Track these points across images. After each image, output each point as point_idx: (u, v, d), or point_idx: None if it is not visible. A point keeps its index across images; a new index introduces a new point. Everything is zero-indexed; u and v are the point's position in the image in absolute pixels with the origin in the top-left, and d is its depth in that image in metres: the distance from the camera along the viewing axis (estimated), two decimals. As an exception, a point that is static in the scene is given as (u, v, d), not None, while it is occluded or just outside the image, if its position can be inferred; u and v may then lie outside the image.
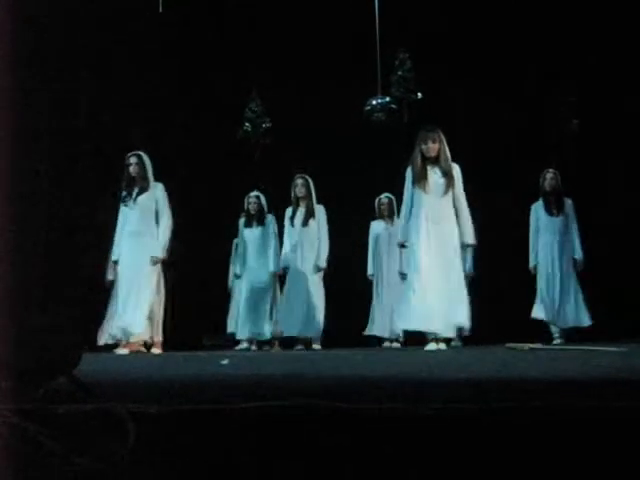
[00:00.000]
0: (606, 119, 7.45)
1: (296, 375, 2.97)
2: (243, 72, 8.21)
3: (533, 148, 7.53)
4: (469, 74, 7.68)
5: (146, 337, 6.42)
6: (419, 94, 7.87)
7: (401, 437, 1.62)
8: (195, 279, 8.12)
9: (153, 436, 1.63)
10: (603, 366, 3.10)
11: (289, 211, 7.25)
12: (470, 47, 7.68)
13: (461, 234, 5.57)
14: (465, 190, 5.64)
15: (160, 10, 7.23)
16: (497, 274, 7.31)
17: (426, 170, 5.56)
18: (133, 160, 6.47)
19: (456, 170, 5.62)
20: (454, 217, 5.60)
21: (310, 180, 7.18)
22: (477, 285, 6.99)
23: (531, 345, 5.12)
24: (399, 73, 7.93)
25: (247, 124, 8.49)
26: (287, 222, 7.25)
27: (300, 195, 7.14)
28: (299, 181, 7.16)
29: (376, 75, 7.48)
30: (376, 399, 1.76)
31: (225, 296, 8.11)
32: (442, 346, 5.47)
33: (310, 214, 7.08)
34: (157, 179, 6.65)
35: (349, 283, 7.74)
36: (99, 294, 6.52)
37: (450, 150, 5.69)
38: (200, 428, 1.66)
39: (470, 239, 5.62)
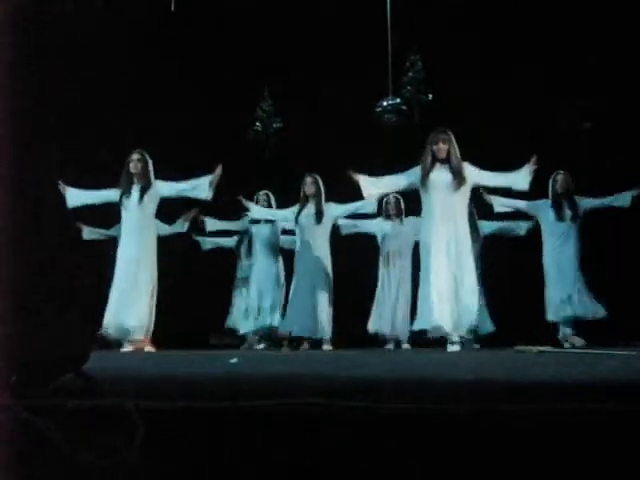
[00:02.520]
0: (619, 120, 7.42)
1: (305, 374, 2.96)
2: (254, 71, 8.22)
3: (545, 150, 7.51)
4: (480, 75, 7.66)
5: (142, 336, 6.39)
6: (430, 95, 7.85)
7: (409, 437, 1.62)
8: (202, 277, 8.13)
9: (162, 432, 1.64)
10: (613, 369, 3.09)
11: (294, 210, 7.19)
12: (482, 48, 7.66)
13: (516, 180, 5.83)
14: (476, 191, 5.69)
15: (172, 8, 7.25)
16: (508, 277, 7.27)
17: (432, 170, 5.63)
18: (135, 157, 6.42)
19: (468, 168, 5.67)
20: (466, 215, 5.69)
21: (320, 179, 7.16)
22: (488, 288, 6.98)
23: (540, 348, 5.10)
24: (410, 74, 7.91)
25: (258, 123, 8.49)
26: (293, 221, 7.22)
27: (309, 193, 7.11)
28: (309, 179, 7.14)
29: (387, 76, 7.47)
30: (385, 399, 1.76)
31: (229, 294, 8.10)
32: (456, 348, 5.47)
33: (320, 213, 7.05)
34: (167, 179, 6.66)
35: (359, 283, 7.74)
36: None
37: (460, 150, 5.71)
38: (208, 425, 1.66)
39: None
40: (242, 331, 7.75)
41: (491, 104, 7.61)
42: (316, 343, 7.08)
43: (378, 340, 7.39)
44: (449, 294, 5.44)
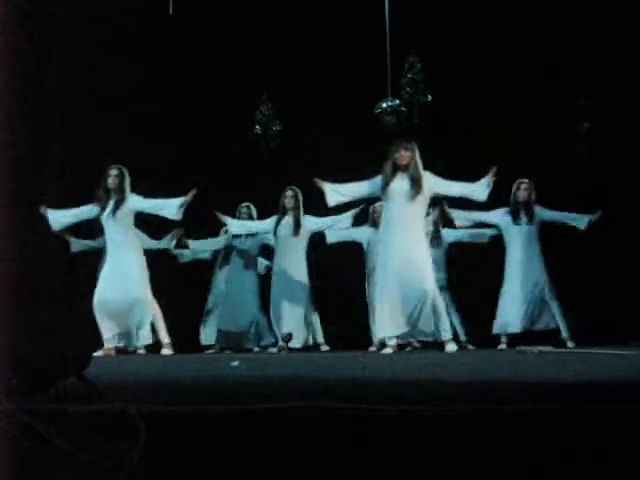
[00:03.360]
0: (618, 122, 7.41)
1: (307, 377, 2.97)
2: (253, 75, 8.22)
3: (544, 148, 7.50)
4: (480, 76, 7.65)
5: (149, 341, 6.46)
6: (429, 96, 7.86)
7: (409, 438, 1.63)
8: (204, 281, 8.13)
9: (164, 436, 1.64)
10: (613, 369, 3.09)
11: (271, 221, 7.29)
12: (481, 49, 7.66)
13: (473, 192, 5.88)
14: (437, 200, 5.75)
15: (170, 12, 7.25)
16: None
17: (393, 178, 5.72)
18: (113, 172, 6.50)
19: (427, 178, 5.73)
20: (422, 224, 5.80)
21: (299, 192, 7.21)
22: (483, 289, 7.00)
23: (541, 348, 5.11)
24: (409, 76, 7.91)
25: (258, 127, 8.49)
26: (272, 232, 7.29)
27: (288, 206, 7.18)
28: (289, 192, 7.23)
29: (386, 78, 7.47)
30: (386, 401, 1.77)
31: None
32: (388, 350, 5.64)
33: (298, 225, 7.12)
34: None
35: (349, 286, 7.76)
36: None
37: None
38: (210, 428, 1.67)
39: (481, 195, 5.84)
40: (212, 343, 7.73)
41: (491, 104, 7.60)
42: (315, 346, 7.13)
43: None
44: (400, 302, 5.56)
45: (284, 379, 2.91)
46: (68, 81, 7.15)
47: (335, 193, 6.14)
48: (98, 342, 6.12)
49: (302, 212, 7.21)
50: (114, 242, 6.51)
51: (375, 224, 7.43)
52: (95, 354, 6.16)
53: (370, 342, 6.74)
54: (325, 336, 7.25)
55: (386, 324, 5.63)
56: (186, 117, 8.07)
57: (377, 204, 7.34)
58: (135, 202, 6.54)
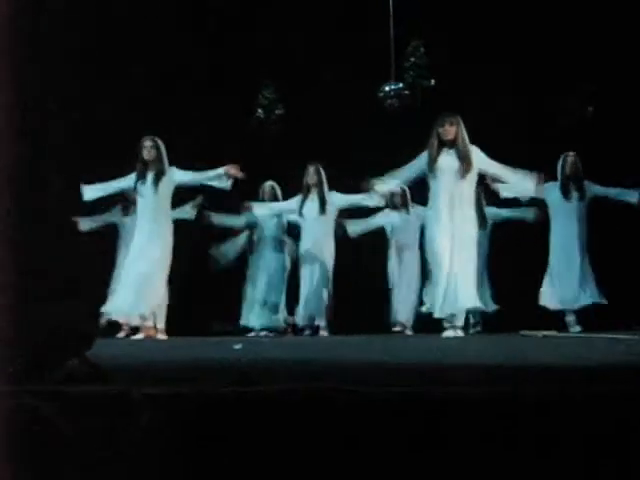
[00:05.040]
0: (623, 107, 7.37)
1: (307, 360, 2.97)
2: (256, 58, 8.18)
3: (548, 134, 7.46)
4: (483, 60, 7.61)
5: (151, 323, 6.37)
6: (432, 80, 7.82)
7: (412, 420, 1.62)
8: (203, 266, 8.11)
9: (167, 418, 1.63)
10: (618, 353, 3.08)
11: (297, 201, 7.12)
12: (484, 32, 7.61)
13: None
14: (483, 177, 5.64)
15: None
16: (513, 261, 7.25)
17: (439, 154, 5.50)
18: (148, 144, 6.33)
19: (477, 154, 5.55)
20: (473, 202, 5.63)
21: (322, 168, 7.11)
22: (492, 273, 6.98)
23: (545, 332, 5.10)
24: (412, 59, 7.87)
25: (260, 111, 8.45)
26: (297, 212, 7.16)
27: (312, 183, 7.05)
28: (311, 169, 7.08)
29: (389, 61, 7.43)
30: (390, 383, 1.76)
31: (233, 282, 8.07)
32: (459, 333, 5.46)
33: (323, 202, 7.01)
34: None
35: (361, 271, 7.75)
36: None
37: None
38: (214, 410, 1.66)
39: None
40: (252, 325, 7.68)
41: (494, 88, 7.57)
42: (315, 329, 7.11)
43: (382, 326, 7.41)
44: (450, 280, 5.45)
45: (287, 362, 2.90)
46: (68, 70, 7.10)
47: (385, 187, 6.06)
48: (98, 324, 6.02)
49: (327, 188, 7.05)
50: (148, 215, 6.33)
51: (395, 207, 7.42)
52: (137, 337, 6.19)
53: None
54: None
55: (439, 304, 5.43)
56: (186, 100, 8.04)
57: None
58: (180, 175, 6.37)
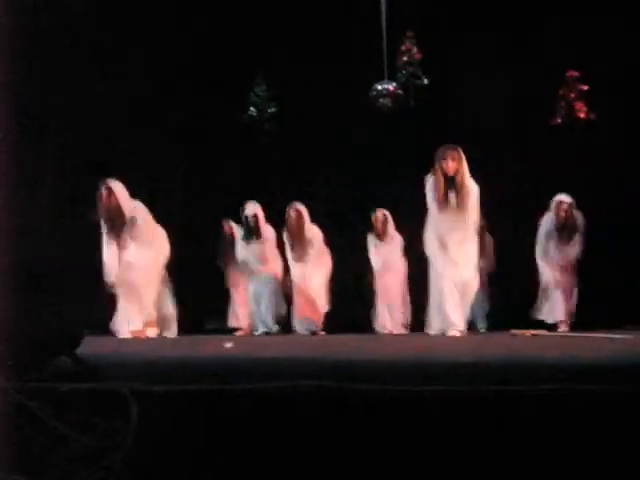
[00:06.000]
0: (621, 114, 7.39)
1: (300, 358, 2.96)
2: (248, 56, 8.17)
3: (541, 131, 7.49)
4: (476, 60, 7.63)
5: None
6: (425, 80, 7.83)
7: (406, 419, 1.62)
8: (195, 265, 8.11)
9: (156, 415, 1.63)
10: (606, 351, 3.09)
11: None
12: (477, 32, 7.63)
13: None
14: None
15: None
16: (507, 263, 7.29)
17: (447, 190, 5.46)
18: (105, 193, 6.13)
19: (474, 191, 5.52)
20: (473, 234, 5.58)
21: (304, 210, 7.13)
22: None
23: (534, 332, 5.12)
24: (405, 58, 7.88)
25: (252, 108, 8.44)
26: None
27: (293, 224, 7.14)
28: (292, 213, 7.13)
29: (382, 60, 7.44)
30: (381, 381, 1.76)
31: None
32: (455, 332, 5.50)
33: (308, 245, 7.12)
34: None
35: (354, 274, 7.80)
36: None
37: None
38: (204, 408, 1.65)
39: None
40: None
41: (487, 87, 7.59)
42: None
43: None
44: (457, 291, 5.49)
45: (277, 360, 2.90)
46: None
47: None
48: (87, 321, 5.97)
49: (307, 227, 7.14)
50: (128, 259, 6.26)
51: (377, 233, 7.44)
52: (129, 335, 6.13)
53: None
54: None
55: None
56: (178, 99, 8.03)
57: (379, 213, 7.34)
58: (140, 214, 6.25)
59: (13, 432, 1.62)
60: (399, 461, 1.59)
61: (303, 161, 7.95)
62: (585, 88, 7.64)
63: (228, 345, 3.84)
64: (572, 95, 7.68)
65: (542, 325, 6.48)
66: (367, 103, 7.53)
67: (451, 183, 5.44)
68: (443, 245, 5.46)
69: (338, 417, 1.61)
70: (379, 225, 7.40)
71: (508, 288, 7.24)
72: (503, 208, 7.17)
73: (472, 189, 5.48)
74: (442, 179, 5.42)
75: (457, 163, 5.44)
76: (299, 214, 7.10)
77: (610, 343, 3.89)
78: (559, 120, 7.69)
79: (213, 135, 8.23)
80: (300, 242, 7.11)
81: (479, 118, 7.31)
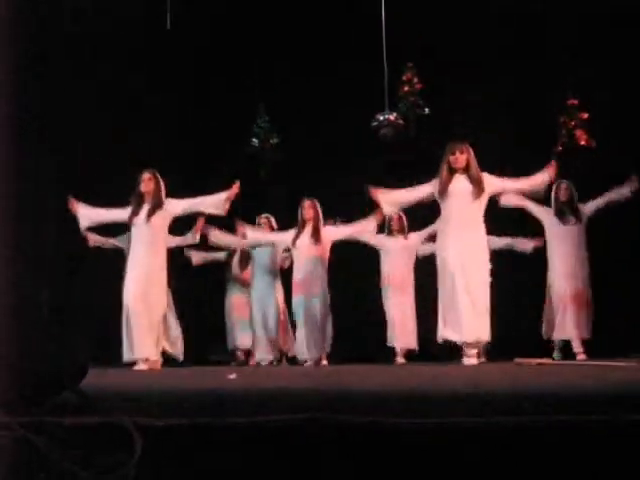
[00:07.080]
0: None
1: (304, 390, 2.95)
2: (250, 88, 8.24)
3: (543, 159, 7.50)
4: (477, 89, 7.67)
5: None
6: (426, 109, 7.88)
7: (407, 451, 1.61)
8: (200, 296, 8.11)
9: (159, 449, 1.62)
10: (613, 380, 3.07)
11: (291, 234, 7.12)
12: (477, 60, 7.69)
13: None
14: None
15: (168, 27, 7.28)
16: (508, 288, 7.26)
17: (451, 180, 5.66)
18: (146, 176, 6.35)
19: (487, 179, 5.70)
20: (482, 225, 5.70)
21: (318, 203, 7.09)
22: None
23: (540, 360, 5.09)
24: (406, 88, 7.94)
25: (254, 140, 8.49)
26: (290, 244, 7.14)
27: (307, 217, 7.03)
28: (307, 203, 7.06)
29: (383, 90, 7.49)
30: (384, 413, 1.75)
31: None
32: (473, 361, 5.50)
33: (317, 236, 6.97)
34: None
35: (358, 298, 7.76)
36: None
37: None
38: (207, 441, 1.65)
39: None
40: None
41: (489, 116, 7.63)
42: (317, 361, 7.06)
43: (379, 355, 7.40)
44: (467, 307, 5.47)
45: (281, 392, 2.89)
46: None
47: (391, 201, 6.13)
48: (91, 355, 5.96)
49: (322, 223, 7.04)
50: (141, 247, 6.33)
51: (391, 232, 7.44)
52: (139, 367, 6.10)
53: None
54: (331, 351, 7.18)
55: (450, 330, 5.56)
56: (182, 129, 8.08)
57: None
58: (174, 205, 6.41)
59: (17, 467, 1.61)
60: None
61: (305, 191, 7.97)
62: (585, 116, 7.68)
63: (232, 377, 3.83)
64: (572, 123, 7.71)
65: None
66: (369, 133, 7.58)
67: (462, 174, 5.64)
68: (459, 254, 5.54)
69: (334, 450, 1.61)
70: (394, 224, 7.38)
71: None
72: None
73: (486, 179, 5.67)
74: (446, 170, 5.65)
75: (467, 155, 5.65)
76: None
77: (619, 371, 3.87)
78: (560, 148, 7.71)
79: (216, 166, 8.26)
80: None
81: (480, 146, 7.33)
